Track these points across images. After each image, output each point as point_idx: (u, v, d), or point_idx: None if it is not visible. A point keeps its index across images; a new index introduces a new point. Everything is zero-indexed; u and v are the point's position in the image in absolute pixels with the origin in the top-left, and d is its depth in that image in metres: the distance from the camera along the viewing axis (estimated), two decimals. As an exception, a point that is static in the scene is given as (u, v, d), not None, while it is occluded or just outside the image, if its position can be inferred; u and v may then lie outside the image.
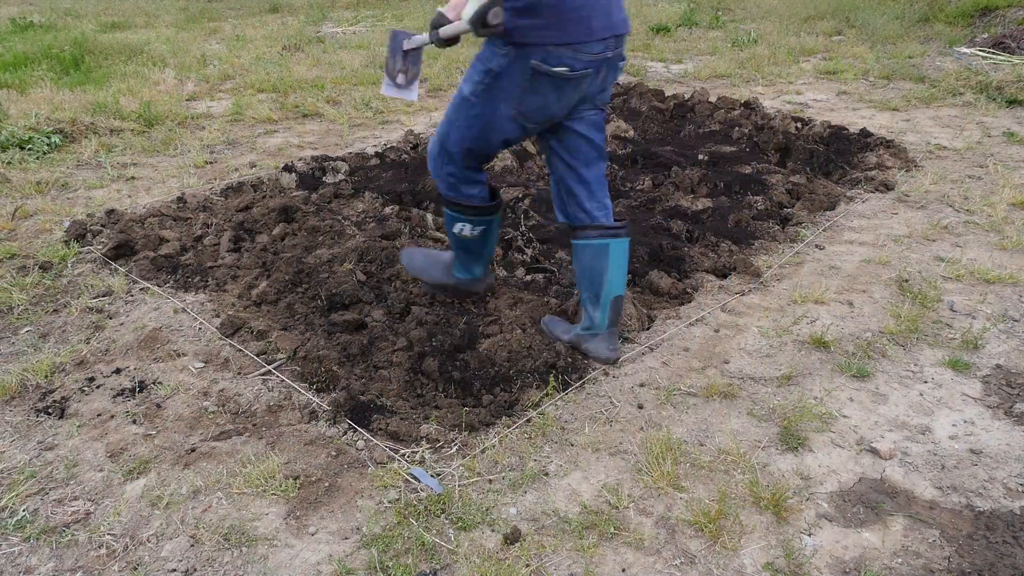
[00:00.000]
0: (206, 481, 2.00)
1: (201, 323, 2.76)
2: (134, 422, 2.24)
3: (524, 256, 3.21)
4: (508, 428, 2.20)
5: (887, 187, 4.03)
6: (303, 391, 2.36)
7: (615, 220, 2.46)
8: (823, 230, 3.54)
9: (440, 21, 2.30)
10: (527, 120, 2.23)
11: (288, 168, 4.25)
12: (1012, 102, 5.60)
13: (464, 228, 2.51)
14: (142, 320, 2.79)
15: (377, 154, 4.60)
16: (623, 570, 1.73)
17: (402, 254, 2.89)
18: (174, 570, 1.73)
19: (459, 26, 2.20)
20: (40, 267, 3.20)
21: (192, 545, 1.80)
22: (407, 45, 2.48)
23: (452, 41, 2.30)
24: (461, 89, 2.27)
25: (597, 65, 2.16)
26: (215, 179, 4.33)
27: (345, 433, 2.18)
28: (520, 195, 3.77)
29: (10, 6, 12.96)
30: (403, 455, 2.08)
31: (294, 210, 3.54)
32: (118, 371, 2.49)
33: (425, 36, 2.40)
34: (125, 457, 2.10)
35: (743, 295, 2.96)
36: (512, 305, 2.75)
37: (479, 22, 2.04)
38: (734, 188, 3.96)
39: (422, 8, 11.84)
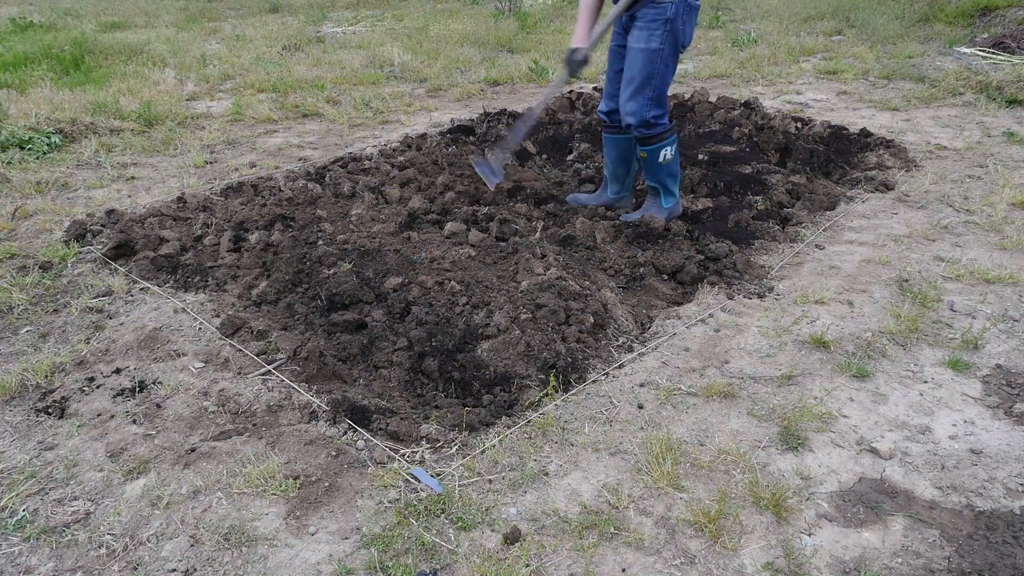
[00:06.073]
0: (206, 481, 2.00)
1: (201, 323, 2.76)
2: (134, 422, 2.24)
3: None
4: (508, 428, 2.20)
5: (887, 187, 4.03)
6: (303, 391, 2.36)
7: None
8: (823, 230, 3.54)
9: (574, 54, 3.14)
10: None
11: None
12: (1012, 102, 5.60)
13: (668, 151, 3.33)
14: (142, 320, 2.79)
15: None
16: (623, 570, 1.73)
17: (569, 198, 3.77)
18: (174, 570, 1.73)
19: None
20: (40, 267, 3.20)
21: (192, 545, 1.80)
22: (495, 161, 3.66)
23: (587, 62, 3.16)
24: (649, 46, 3.12)
25: None
26: (215, 179, 4.33)
27: (345, 433, 2.18)
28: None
29: (10, 6, 12.97)
30: (403, 455, 2.08)
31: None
32: (118, 371, 2.49)
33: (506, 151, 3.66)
34: (125, 457, 2.10)
35: (748, 297, 2.96)
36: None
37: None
38: (734, 188, 3.96)
39: (422, 8, 11.84)
